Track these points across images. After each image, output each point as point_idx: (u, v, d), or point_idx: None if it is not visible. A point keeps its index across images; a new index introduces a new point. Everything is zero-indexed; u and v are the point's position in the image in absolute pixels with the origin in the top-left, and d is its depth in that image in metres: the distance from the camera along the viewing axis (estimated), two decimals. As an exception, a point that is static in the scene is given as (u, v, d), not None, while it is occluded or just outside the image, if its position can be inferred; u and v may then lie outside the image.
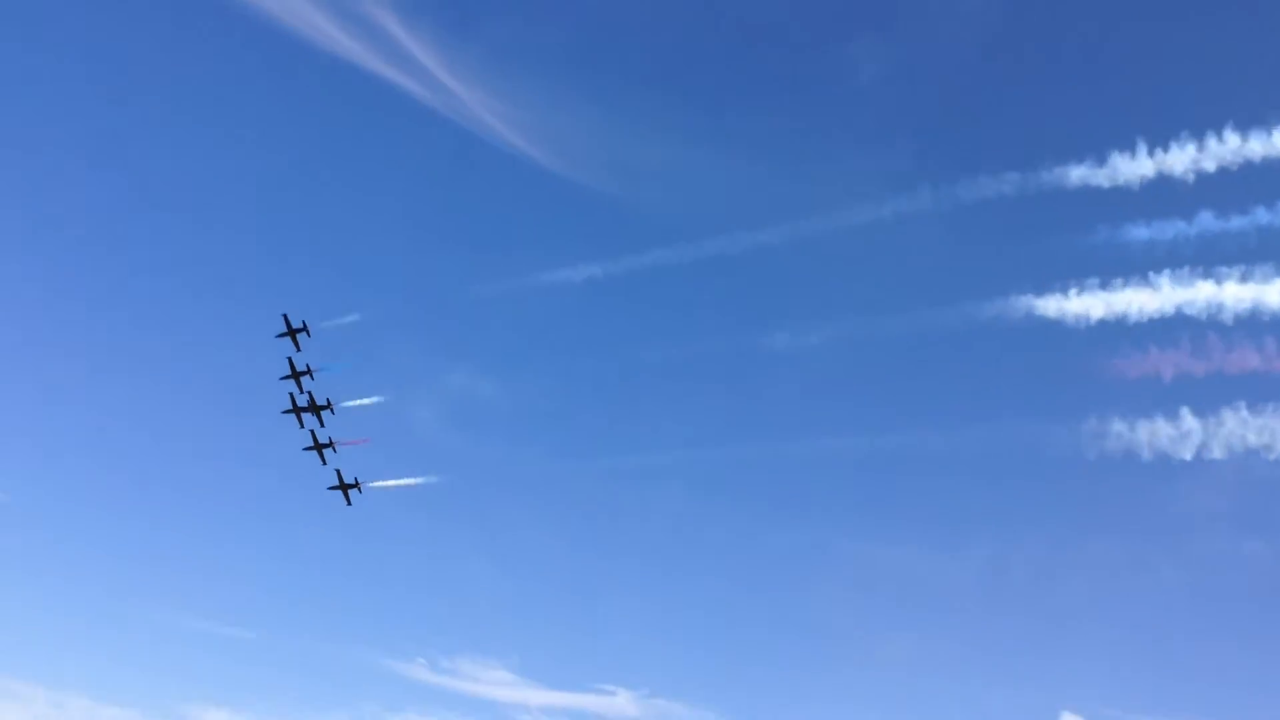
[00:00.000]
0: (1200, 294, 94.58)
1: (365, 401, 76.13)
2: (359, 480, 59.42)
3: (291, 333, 58.17)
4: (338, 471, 62.63)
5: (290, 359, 59.31)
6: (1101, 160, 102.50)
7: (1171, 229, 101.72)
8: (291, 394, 59.68)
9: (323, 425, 60.49)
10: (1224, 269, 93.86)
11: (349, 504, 65.69)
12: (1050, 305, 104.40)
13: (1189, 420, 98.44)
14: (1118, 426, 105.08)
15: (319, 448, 58.22)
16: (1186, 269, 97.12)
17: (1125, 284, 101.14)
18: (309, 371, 57.55)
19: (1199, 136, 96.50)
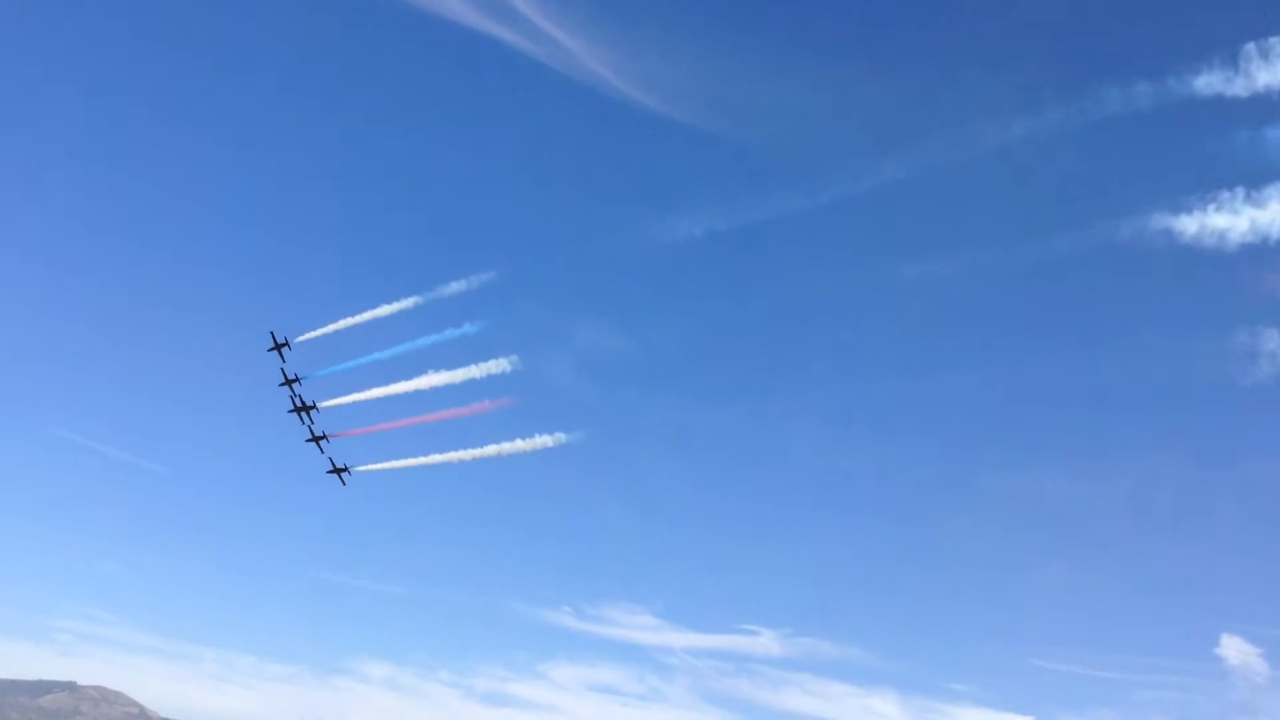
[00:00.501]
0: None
1: (344, 400, 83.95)
2: (347, 465, 68.16)
3: (278, 347, 66.56)
4: (330, 459, 70.82)
5: (283, 369, 67.50)
6: (1236, 63, 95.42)
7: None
8: (291, 397, 67.94)
9: (313, 422, 68.20)
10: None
11: (344, 484, 74.50)
12: (1191, 222, 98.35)
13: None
14: (1271, 345, 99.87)
15: (316, 440, 66.14)
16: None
17: (1273, 194, 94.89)
18: (298, 379, 65.73)
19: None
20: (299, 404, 63.42)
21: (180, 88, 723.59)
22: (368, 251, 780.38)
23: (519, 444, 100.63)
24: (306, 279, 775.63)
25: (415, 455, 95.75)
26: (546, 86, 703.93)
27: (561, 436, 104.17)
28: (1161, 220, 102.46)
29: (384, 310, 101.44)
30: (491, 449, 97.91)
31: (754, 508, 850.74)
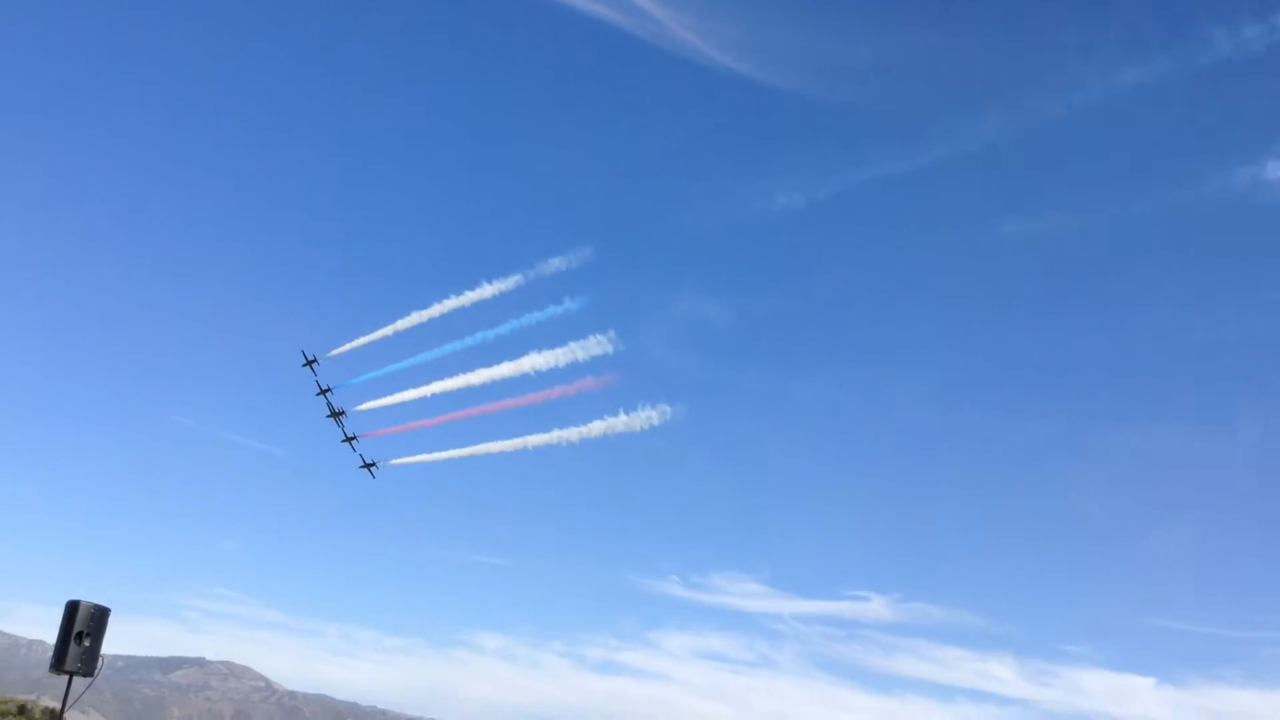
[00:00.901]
0: None
1: (379, 404, 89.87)
2: (376, 461, 78.82)
3: (309, 363, 78.03)
4: (361, 455, 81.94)
5: (316, 382, 78.89)
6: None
7: None
8: (327, 403, 79.47)
9: (343, 426, 79.92)
10: None
11: (374, 478, 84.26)
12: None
13: None
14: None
15: (348, 440, 77.93)
16: None
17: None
18: (330, 389, 77.36)
19: None
20: (331, 410, 75.70)
21: (273, 73, 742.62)
22: (461, 232, 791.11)
23: (622, 419, 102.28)
24: (407, 261, 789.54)
25: (522, 435, 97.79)
26: (635, 57, 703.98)
27: (666, 409, 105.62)
28: (1278, 169, 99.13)
29: (486, 290, 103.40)
30: (597, 425, 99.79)
31: (860, 475, 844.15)
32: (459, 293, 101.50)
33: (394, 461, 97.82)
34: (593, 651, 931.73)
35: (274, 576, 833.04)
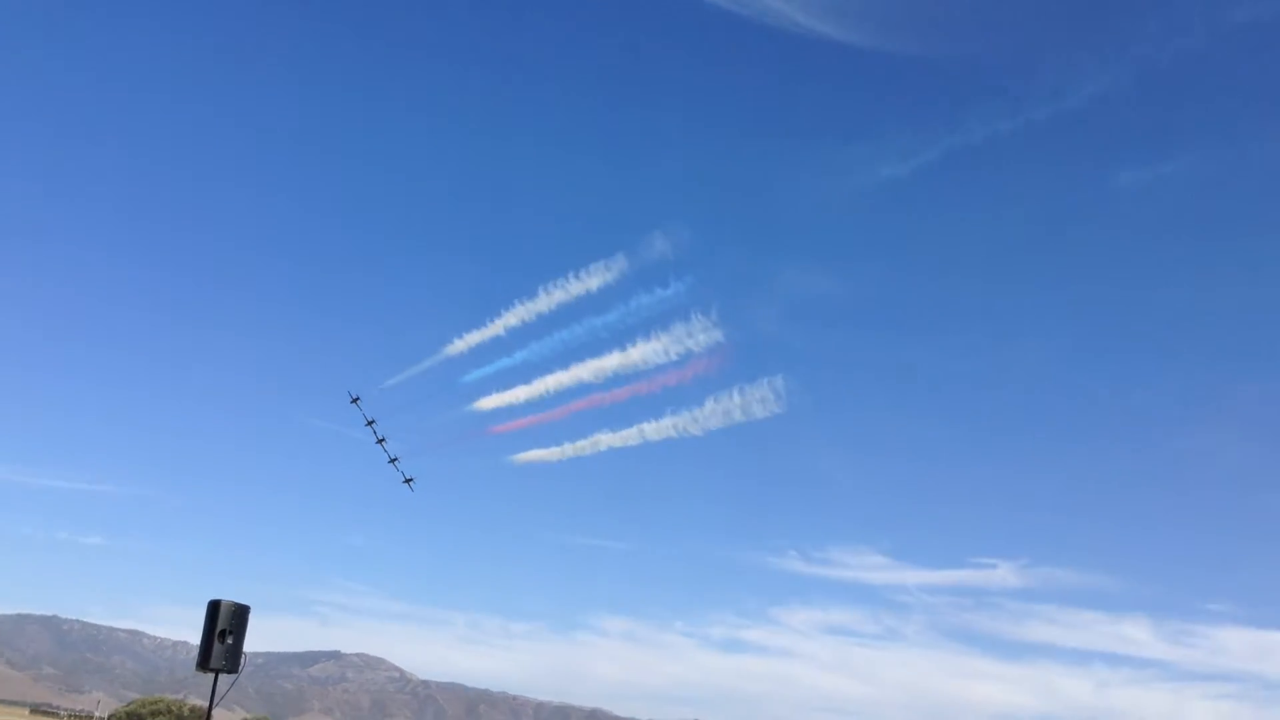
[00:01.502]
0: None
1: (496, 402, 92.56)
2: (410, 478, 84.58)
3: (354, 400, 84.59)
4: (402, 472, 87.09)
5: (362, 414, 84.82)
6: None
7: None
8: (373, 432, 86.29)
9: (387, 450, 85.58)
10: None
11: (412, 491, 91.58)
12: None
13: None
14: None
15: (392, 462, 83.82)
16: None
17: None
18: (374, 421, 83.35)
19: None
20: (378, 438, 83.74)
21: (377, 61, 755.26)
22: (558, 214, 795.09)
23: (736, 401, 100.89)
24: (509, 247, 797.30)
25: (638, 423, 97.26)
26: (727, 28, 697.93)
27: (779, 385, 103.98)
28: None
29: (590, 276, 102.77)
30: (711, 408, 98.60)
31: (981, 439, 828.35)
32: (563, 277, 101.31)
33: (520, 459, 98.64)
34: (715, 630, 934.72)
35: (401, 569, 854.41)
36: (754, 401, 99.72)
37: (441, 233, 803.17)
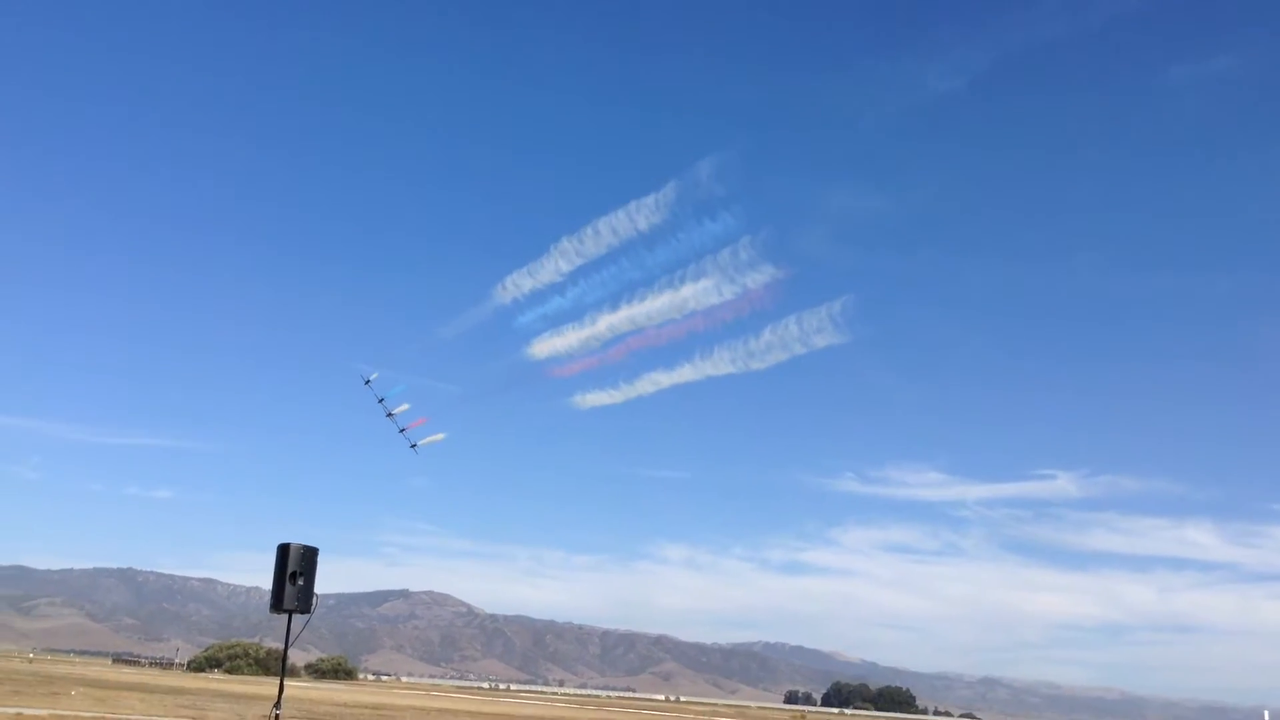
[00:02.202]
0: None
1: (549, 347, 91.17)
2: (416, 442, 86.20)
3: (367, 382, 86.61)
4: (409, 441, 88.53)
5: (374, 394, 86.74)
6: None
7: None
8: (385, 410, 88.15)
9: (397, 422, 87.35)
10: None
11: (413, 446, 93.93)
12: None
13: None
14: None
15: (402, 432, 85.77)
16: None
17: None
18: (384, 399, 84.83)
19: None
20: (388, 412, 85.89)
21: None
22: (606, 142, 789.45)
23: (793, 330, 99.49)
24: (554, 178, 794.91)
25: (694, 359, 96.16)
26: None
27: (836, 308, 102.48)
28: None
29: (640, 207, 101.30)
30: (767, 339, 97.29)
31: (1038, 351, 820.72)
32: (612, 215, 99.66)
33: (582, 402, 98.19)
34: (775, 554, 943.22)
35: (463, 509, 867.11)
36: (812, 332, 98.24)
37: (488, 179, 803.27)
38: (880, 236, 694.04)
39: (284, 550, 19.82)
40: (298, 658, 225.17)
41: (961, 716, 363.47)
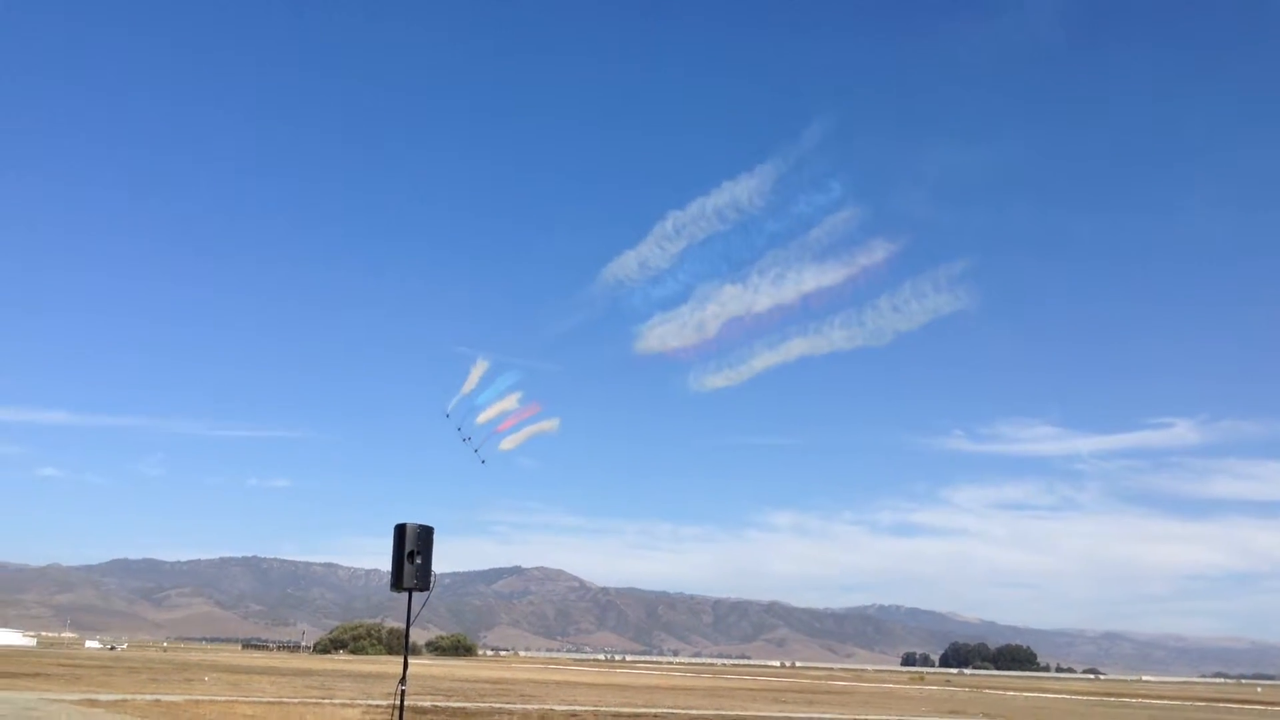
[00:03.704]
0: None
1: (661, 330, 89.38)
2: (479, 450, 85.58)
3: (448, 415, 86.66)
4: (477, 453, 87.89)
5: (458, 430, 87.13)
6: None
7: None
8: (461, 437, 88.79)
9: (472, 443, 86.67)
10: None
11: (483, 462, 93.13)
12: None
13: None
14: None
15: (475, 451, 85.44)
16: None
17: None
18: (460, 428, 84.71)
19: None
20: (465, 438, 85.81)
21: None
22: (699, 117, 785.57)
23: (905, 298, 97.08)
24: (653, 155, 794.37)
25: (803, 334, 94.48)
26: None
27: (947, 272, 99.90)
28: None
29: (741, 186, 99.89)
30: (878, 309, 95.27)
31: (1142, 299, 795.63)
32: (712, 186, 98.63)
33: (698, 385, 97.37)
34: (884, 516, 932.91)
35: (571, 487, 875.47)
36: (927, 301, 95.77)
37: (591, 158, 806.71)
38: (978, 194, 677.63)
39: (400, 530, 20.06)
40: (419, 636, 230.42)
41: (1085, 672, 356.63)
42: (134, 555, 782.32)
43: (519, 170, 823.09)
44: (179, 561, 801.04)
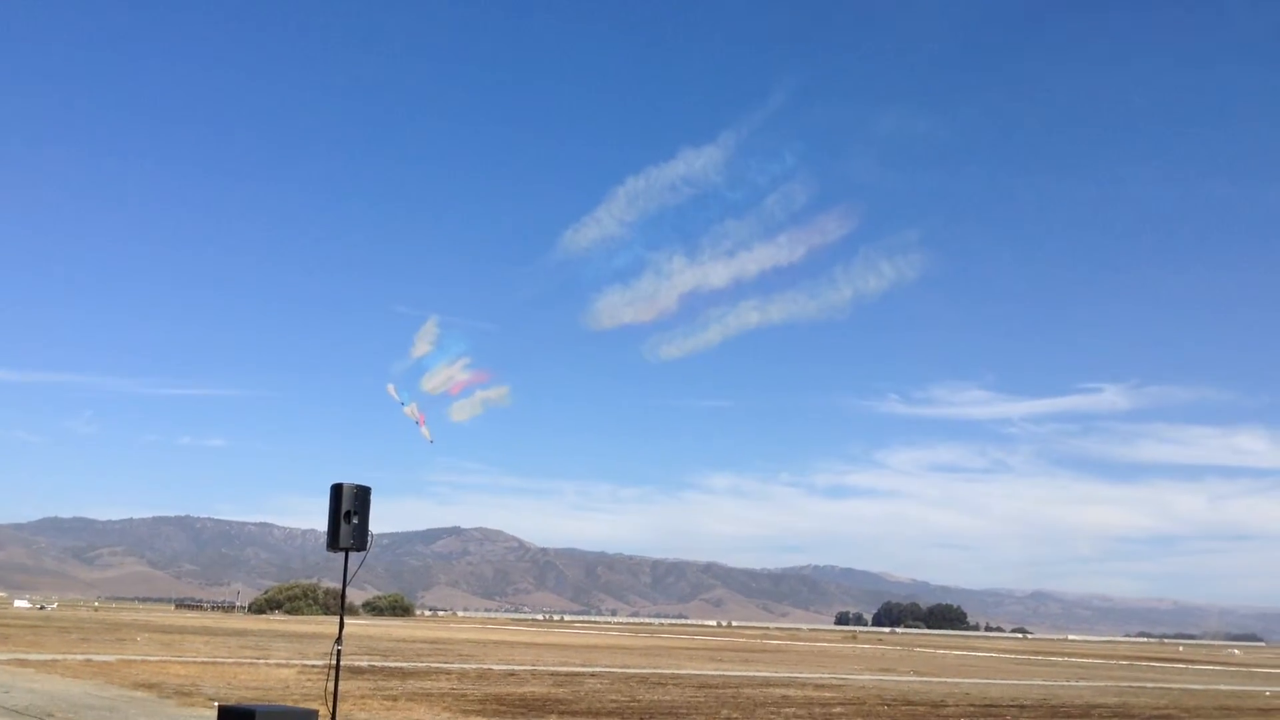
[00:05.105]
0: None
1: (618, 306, 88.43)
2: (427, 432, 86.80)
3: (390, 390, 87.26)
4: (423, 431, 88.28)
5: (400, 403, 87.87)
6: None
7: None
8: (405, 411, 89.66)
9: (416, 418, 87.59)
10: None
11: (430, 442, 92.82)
12: None
13: None
14: None
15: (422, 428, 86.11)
16: None
17: None
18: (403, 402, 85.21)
19: None
20: (413, 416, 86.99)
21: None
22: (652, 95, 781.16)
23: (861, 270, 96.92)
24: (600, 120, 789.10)
25: (754, 305, 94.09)
26: None
27: (899, 240, 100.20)
28: None
29: (696, 157, 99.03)
30: (830, 290, 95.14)
31: (1076, 265, 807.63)
32: (668, 153, 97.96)
33: (661, 355, 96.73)
34: (821, 479, 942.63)
35: (509, 447, 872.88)
36: (877, 271, 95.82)
37: (550, 118, 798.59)
38: (929, 157, 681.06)
39: (337, 490, 19.85)
40: (356, 596, 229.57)
41: (1013, 631, 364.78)
42: (65, 514, 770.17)
43: (473, 127, 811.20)
44: (111, 521, 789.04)
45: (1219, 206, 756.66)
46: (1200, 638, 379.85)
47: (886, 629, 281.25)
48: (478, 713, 27.69)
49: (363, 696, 30.34)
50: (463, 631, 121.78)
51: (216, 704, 21.43)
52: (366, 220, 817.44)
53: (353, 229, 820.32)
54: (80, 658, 43.64)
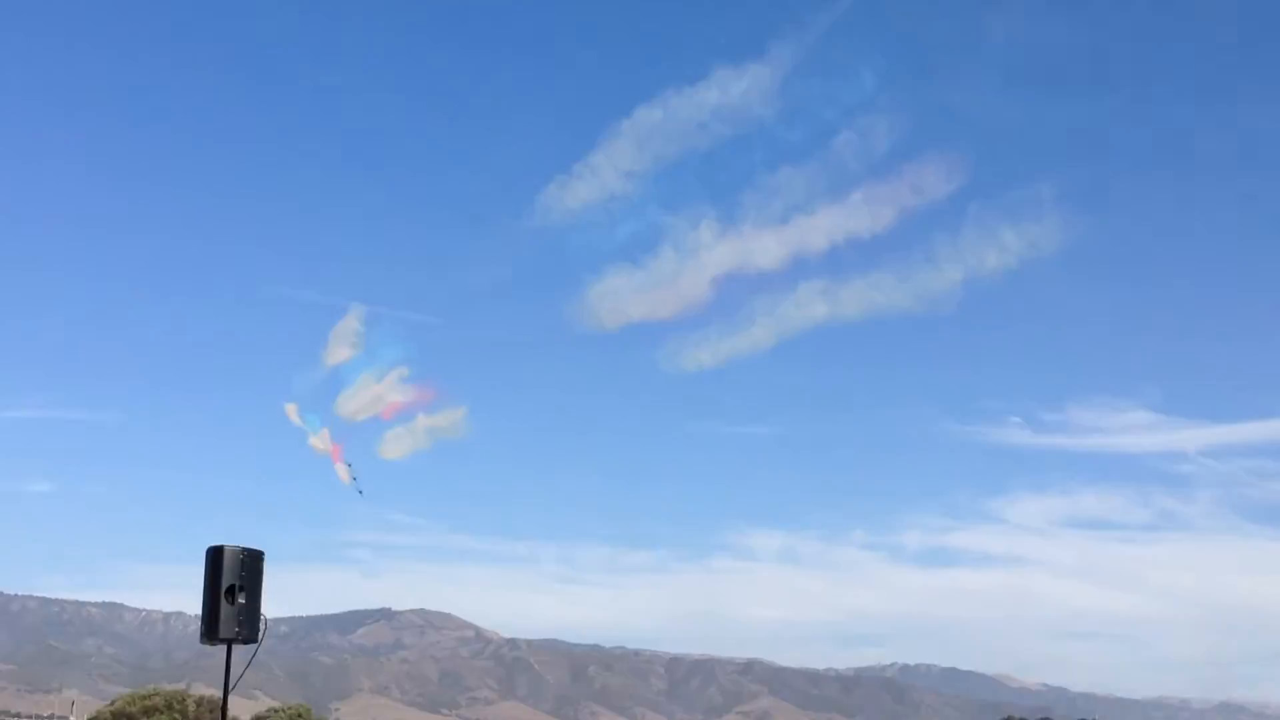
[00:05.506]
0: None
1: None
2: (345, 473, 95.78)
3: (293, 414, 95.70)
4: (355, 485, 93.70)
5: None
6: None
7: None
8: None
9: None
10: None
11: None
12: None
13: None
14: None
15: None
16: None
17: None
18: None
19: None
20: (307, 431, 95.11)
21: None
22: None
23: (970, 240, 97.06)
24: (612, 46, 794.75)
25: (813, 294, 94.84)
26: None
27: (1037, 189, 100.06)
28: None
29: (732, 82, 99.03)
30: (934, 255, 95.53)
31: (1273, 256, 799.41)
32: (694, 77, 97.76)
33: (687, 363, 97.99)
34: (911, 538, 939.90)
35: (465, 492, 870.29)
36: (996, 240, 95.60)
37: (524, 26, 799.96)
38: (1062, 80, 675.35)
39: (216, 555, 19.92)
40: (242, 709, 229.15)
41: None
42: None
43: (407, 36, 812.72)
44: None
45: None
46: None
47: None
48: None
49: None
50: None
51: None
52: (253, 167, 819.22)
53: (232, 178, 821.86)
54: None
